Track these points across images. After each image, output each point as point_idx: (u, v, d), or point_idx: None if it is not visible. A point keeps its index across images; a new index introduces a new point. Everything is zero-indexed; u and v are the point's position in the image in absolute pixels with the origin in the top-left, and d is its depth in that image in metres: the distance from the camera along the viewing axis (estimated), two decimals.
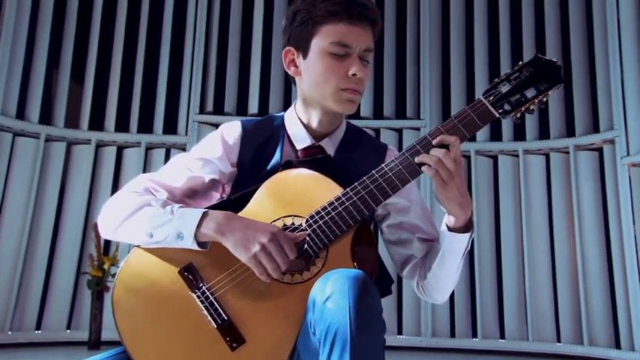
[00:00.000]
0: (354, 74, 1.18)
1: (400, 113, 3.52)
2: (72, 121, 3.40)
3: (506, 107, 1.13)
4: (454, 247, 1.17)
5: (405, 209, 1.28)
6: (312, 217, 1.11)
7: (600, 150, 3.18)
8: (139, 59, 3.50)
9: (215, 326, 1.08)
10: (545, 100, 1.14)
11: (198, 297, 1.10)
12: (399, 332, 3.23)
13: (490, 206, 3.33)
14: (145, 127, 3.45)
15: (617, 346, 2.94)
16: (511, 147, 3.35)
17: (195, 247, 1.11)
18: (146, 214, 1.14)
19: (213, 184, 1.28)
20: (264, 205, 1.16)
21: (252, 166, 1.27)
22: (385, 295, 1.24)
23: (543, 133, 3.34)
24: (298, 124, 1.29)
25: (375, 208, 1.12)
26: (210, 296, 1.10)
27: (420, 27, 3.57)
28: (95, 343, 2.89)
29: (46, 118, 3.32)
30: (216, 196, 1.30)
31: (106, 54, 3.49)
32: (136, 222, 1.15)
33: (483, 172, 3.37)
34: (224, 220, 1.10)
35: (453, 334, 3.21)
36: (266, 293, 1.09)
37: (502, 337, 3.17)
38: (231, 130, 1.30)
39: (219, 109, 3.51)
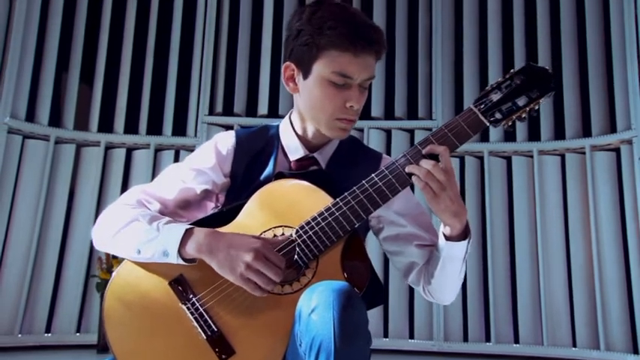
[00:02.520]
0: (351, 106, 1.18)
1: (412, 113, 3.47)
2: (81, 123, 3.40)
3: (497, 116, 1.12)
4: (453, 255, 1.17)
5: (398, 221, 1.27)
6: (302, 227, 1.11)
7: (617, 150, 3.11)
8: (148, 61, 3.48)
9: (205, 337, 1.08)
10: (536, 108, 1.13)
11: (188, 308, 1.10)
12: (411, 336, 3.18)
13: (504, 208, 3.27)
14: (154, 128, 3.43)
15: (635, 351, 2.87)
16: (525, 147, 3.28)
17: (182, 263, 1.11)
18: (134, 230, 1.15)
19: (207, 194, 1.28)
20: (255, 216, 1.16)
21: (246, 176, 1.26)
22: (377, 304, 1.24)
23: (558, 134, 3.27)
24: (292, 135, 1.29)
25: (365, 217, 1.11)
26: (200, 308, 1.10)
27: (432, 25, 3.51)
28: (104, 346, 2.88)
29: (55, 120, 3.31)
30: (210, 206, 1.30)
31: (115, 56, 3.47)
32: (124, 238, 1.16)
33: (497, 173, 3.31)
34: (205, 239, 1.09)
35: (465, 339, 3.15)
36: (256, 304, 1.09)
37: (516, 341, 3.10)
38: (225, 140, 1.30)
39: (228, 111, 3.48)
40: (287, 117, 1.33)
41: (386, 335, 3.16)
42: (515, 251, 3.20)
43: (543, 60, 3.32)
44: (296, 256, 1.10)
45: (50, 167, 3.20)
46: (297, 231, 1.11)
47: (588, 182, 3.10)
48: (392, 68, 3.50)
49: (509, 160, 3.33)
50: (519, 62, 3.34)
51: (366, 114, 3.43)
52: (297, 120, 1.29)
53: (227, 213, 1.19)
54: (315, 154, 1.28)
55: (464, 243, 1.16)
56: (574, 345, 3.03)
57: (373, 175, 1.12)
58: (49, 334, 3.07)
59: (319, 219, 1.11)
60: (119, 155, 3.38)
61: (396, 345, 3.13)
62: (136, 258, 1.14)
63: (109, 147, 3.39)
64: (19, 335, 2.99)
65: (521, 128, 3.31)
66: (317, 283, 1.03)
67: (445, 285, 1.23)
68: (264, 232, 1.14)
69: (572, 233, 3.13)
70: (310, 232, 1.10)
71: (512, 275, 3.19)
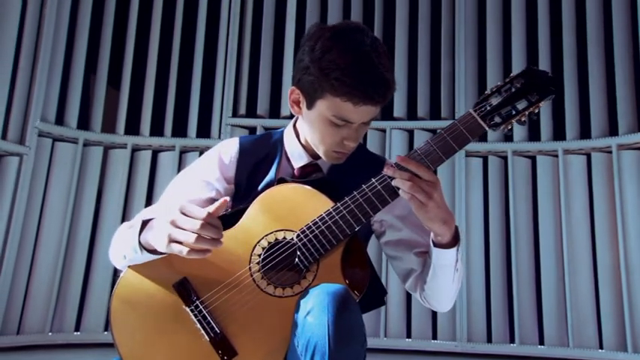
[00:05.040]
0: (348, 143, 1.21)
1: (435, 114, 3.46)
2: (109, 126, 3.48)
3: (497, 120, 1.13)
4: (442, 262, 1.17)
5: (399, 225, 1.29)
6: (302, 231, 1.13)
7: None
8: (173, 64, 3.55)
9: (208, 339, 1.11)
10: (536, 111, 1.13)
11: (192, 311, 1.13)
12: (434, 337, 3.17)
13: (528, 208, 3.24)
14: (179, 130, 3.49)
15: None
16: (550, 147, 3.24)
17: (149, 256, 1.13)
18: (119, 240, 1.21)
19: (214, 202, 1.32)
20: (257, 219, 1.18)
21: (249, 182, 1.30)
22: (378, 306, 1.28)
23: (584, 132, 3.22)
24: (296, 142, 1.32)
25: (365, 221, 1.13)
26: (203, 310, 1.13)
27: (455, 25, 3.49)
28: None
29: (83, 123, 3.40)
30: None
31: (142, 60, 3.55)
32: (117, 249, 1.21)
33: (521, 173, 3.28)
34: (151, 224, 1.11)
35: (489, 340, 3.12)
36: (258, 307, 1.12)
37: (541, 342, 3.07)
38: (228, 148, 1.34)
39: (251, 112, 3.53)
40: (291, 124, 1.35)
41: (408, 336, 3.16)
42: (540, 252, 3.16)
43: (568, 58, 3.28)
44: (297, 260, 1.12)
45: (79, 169, 3.28)
46: (298, 235, 1.14)
47: (615, 182, 3.05)
48: (414, 68, 3.49)
49: (533, 159, 3.30)
50: (543, 61, 3.31)
51: (388, 114, 3.44)
52: (301, 130, 1.31)
53: (230, 217, 1.21)
54: (319, 161, 1.30)
55: (452, 251, 1.16)
56: (600, 347, 2.98)
57: (373, 179, 1.13)
58: (78, 333, 3.14)
59: (320, 223, 1.13)
60: (145, 157, 3.44)
61: (419, 346, 3.12)
62: (125, 265, 1.19)
63: (135, 149, 3.45)
64: (50, 334, 3.07)
65: (545, 127, 3.28)
66: (315, 286, 1.05)
67: (438, 292, 1.24)
68: (266, 235, 1.17)
69: (599, 234, 3.08)
70: (311, 236, 1.12)
71: (537, 275, 3.16)
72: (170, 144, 3.45)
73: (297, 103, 1.26)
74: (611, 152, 3.11)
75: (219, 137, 3.43)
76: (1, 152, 3.01)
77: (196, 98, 3.52)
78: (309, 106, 1.22)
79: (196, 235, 1.00)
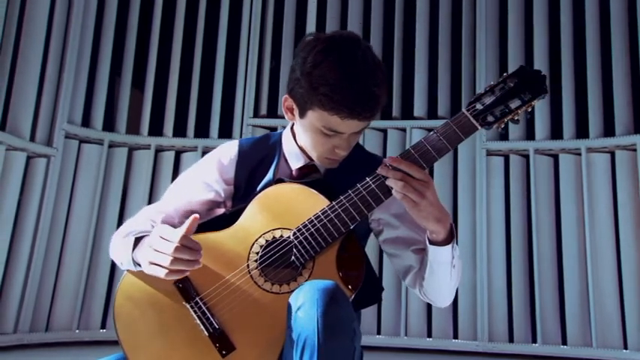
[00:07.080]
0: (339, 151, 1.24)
1: (455, 113, 3.42)
2: (133, 128, 3.55)
3: (490, 119, 1.15)
4: (439, 259, 1.19)
5: (396, 223, 1.31)
6: (298, 229, 1.17)
7: None
8: (196, 66, 3.61)
9: (207, 334, 1.15)
10: (529, 110, 1.15)
11: (192, 307, 1.17)
12: (455, 336, 3.16)
13: (550, 208, 3.21)
14: (202, 131, 3.55)
15: None
16: (573, 145, 3.20)
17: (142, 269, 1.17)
18: (116, 247, 1.26)
19: (213, 204, 1.36)
20: (255, 218, 1.22)
21: (248, 184, 1.33)
22: (374, 302, 1.30)
23: (608, 130, 3.18)
24: (293, 144, 1.34)
25: (359, 219, 1.15)
26: (202, 306, 1.17)
27: (477, 23, 3.47)
28: None
29: (109, 125, 3.48)
30: (219, 213, 1.37)
31: (165, 62, 3.62)
32: (115, 255, 1.27)
33: (543, 172, 3.25)
34: (141, 244, 1.17)
35: (511, 339, 3.10)
36: (255, 303, 1.15)
37: (564, 342, 3.04)
38: (228, 150, 1.38)
39: (272, 113, 3.56)
40: (289, 126, 1.38)
41: (429, 335, 3.16)
42: (563, 251, 3.13)
43: (592, 54, 3.24)
44: (293, 257, 1.15)
45: (104, 170, 3.36)
46: (294, 233, 1.17)
47: None
48: (435, 67, 3.49)
49: (556, 158, 3.26)
50: (566, 59, 3.28)
51: (408, 114, 3.44)
52: (297, 133, 1.34)
53: (229, 217, 1.25)
54: (316, 163, 1.32)
55: (448, 247, 1.17)
56: (625, 347, 2.94)
57: (367, 178, 1.16)
58: (105, 330, 3.22)
59: (315, 221, 1.16)
60: (168, 158, 3.50)
61: (440, 345, 3.12)
62: (126, 269, 1.24)
63: (159, 150, 3.52)
64: (77, 331, 3.14)
65: (568, 125, 3.25)
66: (307, 282, 1.08)
67: (437, 288, 1.25)
68: (264, 234, 1.20)
69: (623, 233, 3.03)
70: (307, 234, 1.15)
71: (560, 275, 3.13)
72: (193, 145, 3.50)
73: (291, 110, 1.28)
74: (635, 150, 3.06)
75: (241, 137, 3.46)
76: (29, 154, 3.09)
77: (218, 99, 3.58)
78: (301, 115, 1.24)
79: (171, 257, 1.05)
